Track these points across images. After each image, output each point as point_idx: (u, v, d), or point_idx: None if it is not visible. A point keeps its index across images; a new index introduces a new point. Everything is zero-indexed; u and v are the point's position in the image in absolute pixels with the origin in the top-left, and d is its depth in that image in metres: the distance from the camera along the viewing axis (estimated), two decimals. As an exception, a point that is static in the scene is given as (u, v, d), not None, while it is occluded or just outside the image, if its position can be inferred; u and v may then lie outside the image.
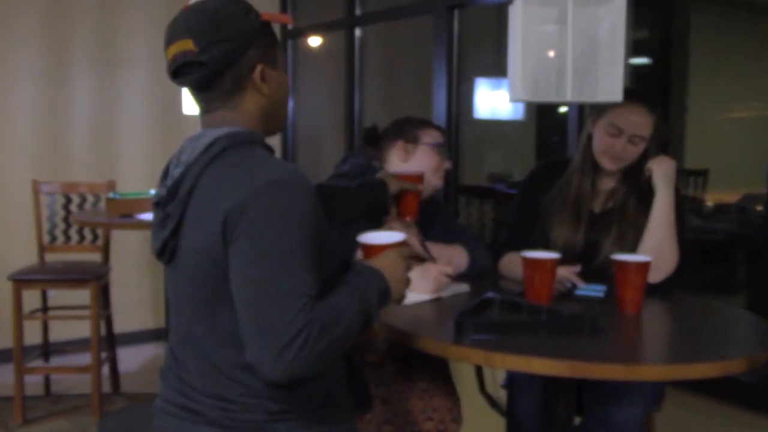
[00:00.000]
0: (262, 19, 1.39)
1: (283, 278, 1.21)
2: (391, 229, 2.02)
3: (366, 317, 1.32)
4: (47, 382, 3.86)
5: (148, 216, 3.25)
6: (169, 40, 1.38)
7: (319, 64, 5.11)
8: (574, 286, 1.95)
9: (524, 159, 5.81)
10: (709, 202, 6.40)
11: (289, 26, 4.91)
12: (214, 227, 1.27)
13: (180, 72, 1.37)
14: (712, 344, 1.65)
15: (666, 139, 2.15)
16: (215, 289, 1.30)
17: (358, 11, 4.34)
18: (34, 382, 3.78)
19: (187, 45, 1.34)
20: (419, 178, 2.02)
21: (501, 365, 1.44)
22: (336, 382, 1.42)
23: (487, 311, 1.71)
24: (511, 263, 2.05)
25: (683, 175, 6.50)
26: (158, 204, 1.40)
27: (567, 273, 1.94)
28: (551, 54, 1.78)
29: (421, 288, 1.86)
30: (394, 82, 5.15)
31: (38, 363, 3.87)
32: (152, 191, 3.50)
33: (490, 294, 1.75)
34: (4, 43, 4.18)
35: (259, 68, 1.39)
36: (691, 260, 2.11)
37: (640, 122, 2.07)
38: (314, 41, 4.95)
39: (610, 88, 1.79)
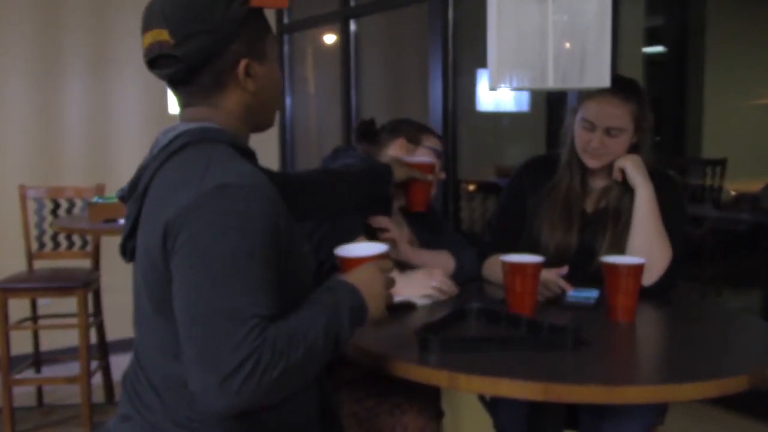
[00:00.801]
0: (250, 6, 1.25)
1: (227, 297, 1.08)
2: (377, 224, 1.90)
3: (335, 339, 1.18)
4: (39, 392, 3.77)
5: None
6: (145, 26, 1.25)
7: (317, 59, 4.98)
8: (564, 292, 1.78)
9: (536, 152, 5.62)
10: (729, 192, 6.20)
11: (285, 20, 4.76)
12: (156, 235, 1.15)
13: (155, 64, 1.26)
14: (711, 358, 1.46)
15: (649, 128, 1.97)
16: (159, 301, 1.19)
17: (352, 2, 4.20)
18: (26, 393, 3.69)
19: (162, 35, 1.22)
20: (431, 167, 1.93)
21: (466, 389, 1.28)
22: (301, 411, 1.28)
23: (462, 323, 1.55)
24: (495, 267, 1.89)
25: (699, 164, 6.32)
26: (122, 199, 1.32)
27: (553, 277, 1.77)
28: (531, 36, 1.62)
29: (405, 290, 1.73)
30: (396, 77, 5.01)
31: (29, 373, 3.77)
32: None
33: (473, 304, 1.59)
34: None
35: (243, 63, 1.25)
36: (685, 258, 1.92)
37: (614, 113, 1.90)
38: (310, 36, 4.81)
39: (597, 73, 1.63)
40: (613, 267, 1.62)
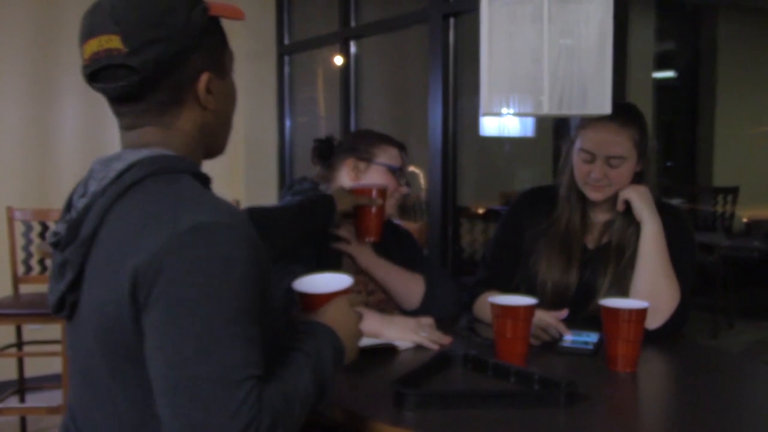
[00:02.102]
0: (210, 14, 1.11)
1: (217, 359, 0.93)
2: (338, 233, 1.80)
3: (321, 388, 1.08)
4: (23, 421, 3.64)
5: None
6: (89, 32, 1.07)
7: (324, 80, 4.89)
8: (561, 336, 1.64)
9: (543, 177, 5.51)
10: (743, 220, 6.05)
11: (286, 41, 4.66)
12: (120, 287, 0.97)
13: (100, 76, 1.08)
14: (725, 418, 1.30)
15: (653, 155, 1.84)
16: (119, 366, 1.03)
17: (353, 24, 4.11)
18: (9, 422, 3.56)
19: (113, 42, 1.04)
20: (381, 191, 1.80)
21: (442, 453, 1.13)
22: None
23: (446, 371, 1.41)
24: (487, 305, 1.74)
25: (710, 192, 6.18)
26: (56, 245, 1.09)
27: (551, 320, 1.62)
28: (525, 59, 1.50)
29: (390, 333, 1.61)
30: (397, 99, 4.92)
31: (12, 401, 3.65)
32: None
33: (458, 351, 1.45)
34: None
35: (205, 77, 1.10)
36: (694, 292, 1.77)
37: (613, 140, 1.76)
38: (308, 57, 4.72)
39: (597, 99, 1.51)
40: (613, 312, 1.47)
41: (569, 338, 1.62)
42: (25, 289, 3.62)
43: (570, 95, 1.51)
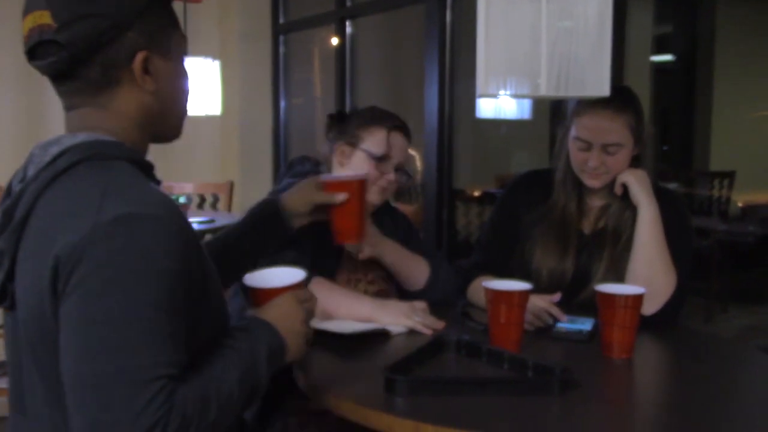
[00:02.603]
0: None
1: (125, 355, 0.90)
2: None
3: (250, 390, 1.04)
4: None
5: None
6: (26, 9, 1.06)
7: (320, 61, 4.84)
8: (556, 321, 1.62)
9: (539, 160, 5.48)
10: (738, 204, 6.04)
11: (281, 20, 4.61)
12: (42, 277, 0.95)
13: (35, 53, 1.05)
14: (720, 406, 1.28)
15: (649, 138, 1.81)
16: (39, 363, 1.01)
17: (349, 3, 4.06)
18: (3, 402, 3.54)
19: (44, 18, 1.02)
20: (352, 184, 1.52)
21: (433, 440, 1.11)
22: None
23: (439, 356, 1.39)
24: (481, 290, 1.71)
25: (706, 177, 6.16)
26: None
27: (545, 304, 1.60)
28: (522, 39, 1.46)
29: (383, 318, 1.58)
30: (393, 80, 4.87)
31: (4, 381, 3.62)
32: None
33: (451, 335, 1.43)
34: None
35: (140, 56, 1.06)
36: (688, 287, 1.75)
37: (609, 127, 1.73)
38: (304, 36, 4.67)
39: (596, 81, 1.47)
40: (609, 297, 1.45)
41: (564, 324, 1.60)
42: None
43: (568, 77, 1.47)
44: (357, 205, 1.51)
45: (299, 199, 1.50)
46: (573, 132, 1.77)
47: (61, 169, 1.01)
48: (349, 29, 4.07)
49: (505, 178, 5.01)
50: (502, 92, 1.50)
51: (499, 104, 4.52)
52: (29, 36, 1.05)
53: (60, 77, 1.07)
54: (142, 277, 0.92)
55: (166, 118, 1.14)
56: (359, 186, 1.53)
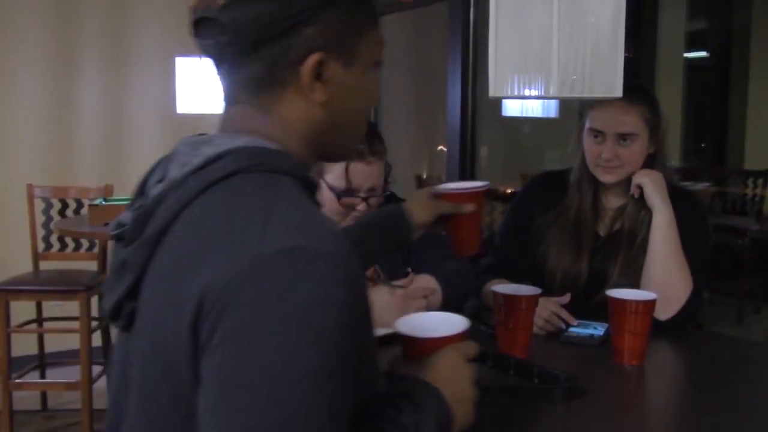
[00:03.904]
0: None
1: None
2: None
3: None
4: (44, 395, 3.69)
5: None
6: None
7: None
8: (569, 325, 1.59)
9: (568, 159, 5.43)
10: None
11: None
12: (182, 310, 0.76)
13: (199, 29, 0.89)
14: (737, 416, 1.25)
15: (665, 135, 1.77)
16: (149, 408, 0.83)
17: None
18: (30, 396, 3.61)
19: None
20: (472, 196, 1.42)
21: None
22: None
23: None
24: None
25: (741, 176, 6.05)
26: (119, 238, 0.89)
27: (554, 307, 1.58)
28: (534, 39, 1.45)
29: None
30: (418, 78, 4.86)
31: (33, 375, 3.69)
32: (143, 197, 3.27)
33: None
34: (8, 41, 4.01)
35: (313, 59, 0.87)
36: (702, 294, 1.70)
37: (622, 117, 1.71)
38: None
39: (608, 81, 1.45)
40: (621, 303, 1.43)
41: (576, 329, 1.57)
42: (45, 265, 3.66)
43: (579, 77, 1.45)
44: (479, 216, 1.43)
45: (426, 208, 1.39)
46: (587, 124, 1.75)
47: (216, 177, 0.82)
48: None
49: (530, 176, 4.98)
50: (513, 92, 1.49)
51: (525, 103, 4.48)
52: (195, 8, 0.88)
53: (219, 63, 0.90)
54: (314, 333, 0.72)
55: (336, 137, 0.94)
56: (481, 196, 1.44)
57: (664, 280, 1.64)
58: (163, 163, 0.90)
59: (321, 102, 0.89)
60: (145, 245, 0.83)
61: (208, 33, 0.87)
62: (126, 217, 0.88)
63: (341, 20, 0.88)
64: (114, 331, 0.93)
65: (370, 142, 1.67)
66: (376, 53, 0.93)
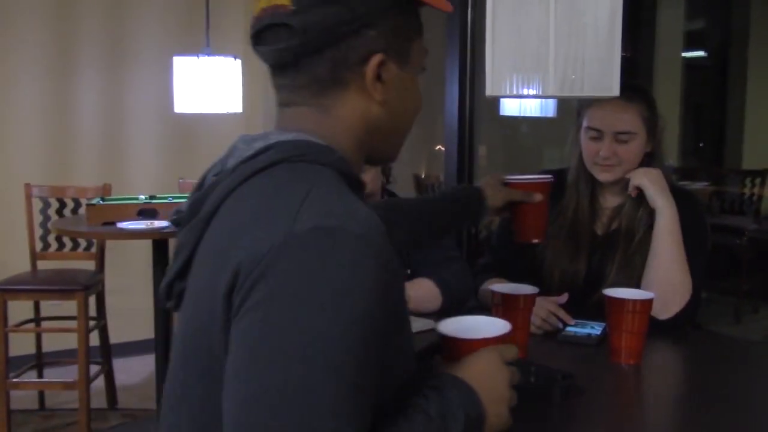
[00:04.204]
0: None
1: (307, 401, 0.73)
2: None
3: None
4: (41, 395, 3.69)
5: (130, 224, 2.99)
6: None
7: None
8: (566, 325, 1.59)
9: (565, 160, 5.43)
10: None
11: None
12: (218, 282, 0.81)
13: (261, 37, 0.94)
14: (733, 415, 1.25)
15: (662, 134, 1.77)
16: (188, 382, 0.88)
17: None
18: (28, 395, 3.62)
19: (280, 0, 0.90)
20: (541, 186, 1.53)
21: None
22: None
23: (436, 360, 1.37)
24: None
25: (739, 175, 6.05)
26: (177, 224, 0.97)
27: (551, 306, 1.58)
28: (531, 38, 1.44)
29: None
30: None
31: (31, 375, 3.69)
32: (141, 197, 3.26)
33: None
34: (7, 41, 4.01)
35: (376, 59, 0.92)
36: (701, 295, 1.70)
37: (620, 115, 1.71)
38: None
39: (605, 81, 1.45)
40: (617, 302, 1.43)
41: (573, 328, 1.57)
42: (43, 265, 3.66)
43: (576, 77, 1.45)
44: (544, 206, 1.53)
45: (499, 193, 1.49)
46: (584, 123, 1.75)
47: (261, 166, 0.88)
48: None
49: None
50: (510, 92, 1.49)
51: (523, 102, 4.47)
52: (259, 17, 0.93)
53: (283, 68, 0.94)
54: (339, 311, 0.75)
55: (389, 135, 1.00)
56: (549, 187, 1.55)
57: (667, 282, 1.63)
58: (222, 159, 0.97)
59: (380, 101, 0.95)
60: (195, 227, 0.91)
61: (276, 38, 0.91)
62: (184, 205, 0.96)
63: (398, 24, 0.94)
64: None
65: None
66: (421, 59, 1.00)
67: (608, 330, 1.45)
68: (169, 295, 0.96)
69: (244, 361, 0.76)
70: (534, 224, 1.52)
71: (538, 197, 1.50)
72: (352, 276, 0.77)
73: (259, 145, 0.91)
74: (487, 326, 1.06)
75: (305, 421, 0.73)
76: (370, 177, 1.76)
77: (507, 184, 1.51)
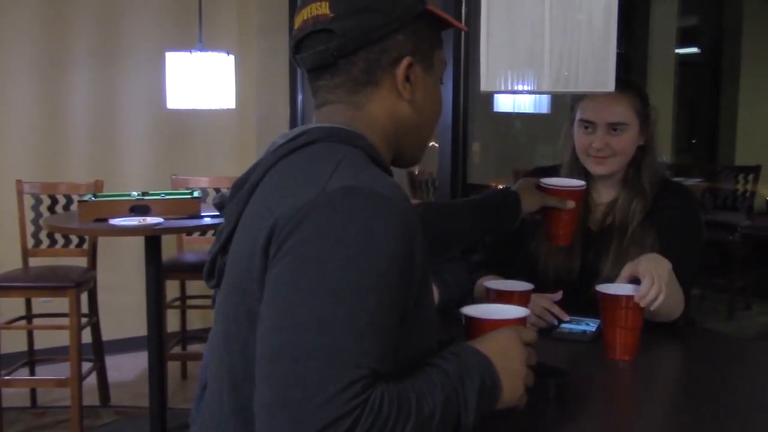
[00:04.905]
0: (426, 7, 1.07)
1: (332, 332, 0.82)
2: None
3: (455, 421, 0.89)
4: (33, 392, 3.67)
5: (122, 221, 2.98)
6: (302, 3, 1.05)
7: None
8: (561, 321, 1.59)
9: (559, 156, 5.43)
10: (764, 199, 5.93)
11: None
12: (257, 240, 0.91)
13: (303, 44, 1.05)
14: (727, 412, 1.25)
15: (655, 127, 1.77)
16: (234, 338, 0.95)
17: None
18: (20, 393, 3.60)
19: (322, 9, 1.02)
20: (574, 193, 1.59)
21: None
22: None
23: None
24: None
25: (732, 172, 6.06)
26: (221, 207, 1.07)
27: (546, 303, 1.58)
28: (525, 33, 1.44)
29: None
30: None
31: (23, 372, 3.68)
32: (134, 193, 3.25)
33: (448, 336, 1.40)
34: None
35: (406, 61, 1.04)
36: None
37: (613, 107, 1.71)
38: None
39: (600, 76, 1.44)
40: (611, 299, 1.42)
41: (568, 325, 1.57)
42: (35, 262, 3.64)
43: (571, 72, 1.44)
44: (576, 211, 1.59)
45: (533, 199, 1.55)
46: (577, 116, 1.75)
47: (299, 145, 0.99)
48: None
49: (522, 172, 4.97)
50: (504, 87, 1.48)
51: (517, 98, 4.48)
52: (302, 27, 1.04)
53: (321, 69, 1.04)
54: (363, 253, 0.85)
55: (414, 134, 1.10)
56: (581, 194, 1.61)
57: (667, 313, 1.58)
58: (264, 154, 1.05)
59: (408, 99, 1.05)
60: (239, 201, 1.00)
61: (316, 43, 1.02)
62: (227, 191, 1.06)
63: (424, 32, 1.07)
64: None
65: None
66: (441, 69, 1.12)
67: (603, 326, 1.45)
68: (211, 272, 1.04)
69: (276, 295, 0.85)
70: (563, 230, 1.59)
71: (571, 204, 1.55)
72: (377, 228, 0.86)
73: (295, 132, 1.02)
74: (507, 311, 1.17)
75: (336, 350, 0.80)
76: None
77: (541, 189, 1.57)
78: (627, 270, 1.48)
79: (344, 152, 0.96)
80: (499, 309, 1.19)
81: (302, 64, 1.06)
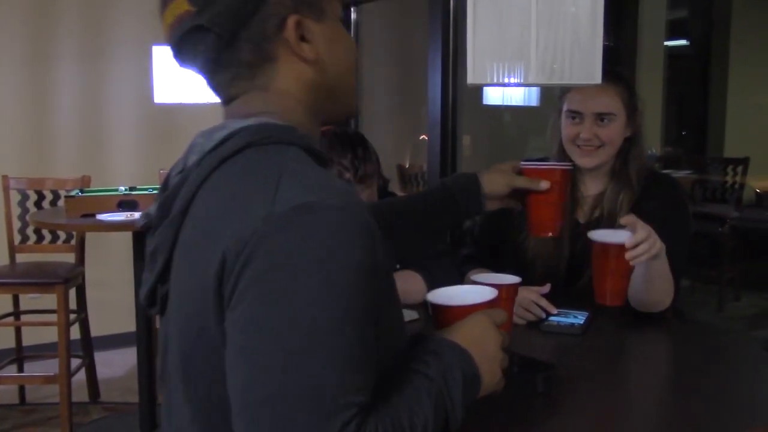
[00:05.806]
0: None
1: (313, 373, 0.75)
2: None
3: (444, 423, 0.87)
4: (22, 389, 3.65)
5: (110, 216, 2.96)
6: (162, 4, 0.94)
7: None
8: (549, 314, 1.58)
9: (549, 148, 5.44)
10: (755, 191, 5.96)
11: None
12: (204, 277, 0.81)
13: (182, 50, 0.94)
14: (715, 404, 1.24)
15: (642, 118, 1.77)
16: (190, 377, 0.88)
17: (354, -11, 4.03)
18: (8, 390, 3.59)
19: (182, 6, 0.90)
20: (548, 172, 1.36)
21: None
22: None
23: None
24: (473, 283, 1.68)
25: (721, 163, 6.08)
26: (148, 228, 0.96)
27: (534, 296, 1.57)
28: (512, 25, 1.43)
29: None
30: (400, 67, 4.83)
31: (11, 369, 3.65)
32: (121, 188, 3.23)
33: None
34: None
35: (292, 21, 0.91)
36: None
37: (600, 97, 1.71)
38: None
39: (587, 68, 1.43)
40: (603, 246, 1.44)
41: (556, 318, 1.57)
42: (22, 258, 3.62)
43: (560, 64, 1.44)
44: (557, 196, 1.37)
45: (499, 180, 1.34)
46: (564, 107, 1.75)
47: (228, 153, 0.87)
48: (354, 15, 4.04)
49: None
50: (492, 80, 1.47)
51: (506, 91, 4.47)
52: (171, 33, 0.93)
53: (213, 68, 0.94)
54: (328, 279, 0.76)
55: (333, 91, 0.98)
56: (562, 176, 1.38)
57: (658, 301, 1.60)
58: (182, 157, 0.95)
59: (311, 59, 0.93)
60: (170, 225, 0.89)
61: (193, 44, 0.91)
62: (152, 208, 0.94)
63: None
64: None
65: (355, 166, 1.70)
66: (335, 6, 0.98)
67: (593, 273, 1.46)
68: (152, 301, 0.95)
69: (244, 342, 0.77)
70: (542, 217, 1.38)
71: (545, 185, 1.34)
72: (337, 244, 0.78)
73: (220, 135, 0.90)
74: (474, 293, 1.10)
75: (317, 390, 0.74)
76: (366, 195, 1.72)
77: (520, 171, 1.38)
78: (626, 219, 1.45)
79: (281, 158, 0.86)
80: (464, 291, 1.13)
81: (192, 71, 0.96)
